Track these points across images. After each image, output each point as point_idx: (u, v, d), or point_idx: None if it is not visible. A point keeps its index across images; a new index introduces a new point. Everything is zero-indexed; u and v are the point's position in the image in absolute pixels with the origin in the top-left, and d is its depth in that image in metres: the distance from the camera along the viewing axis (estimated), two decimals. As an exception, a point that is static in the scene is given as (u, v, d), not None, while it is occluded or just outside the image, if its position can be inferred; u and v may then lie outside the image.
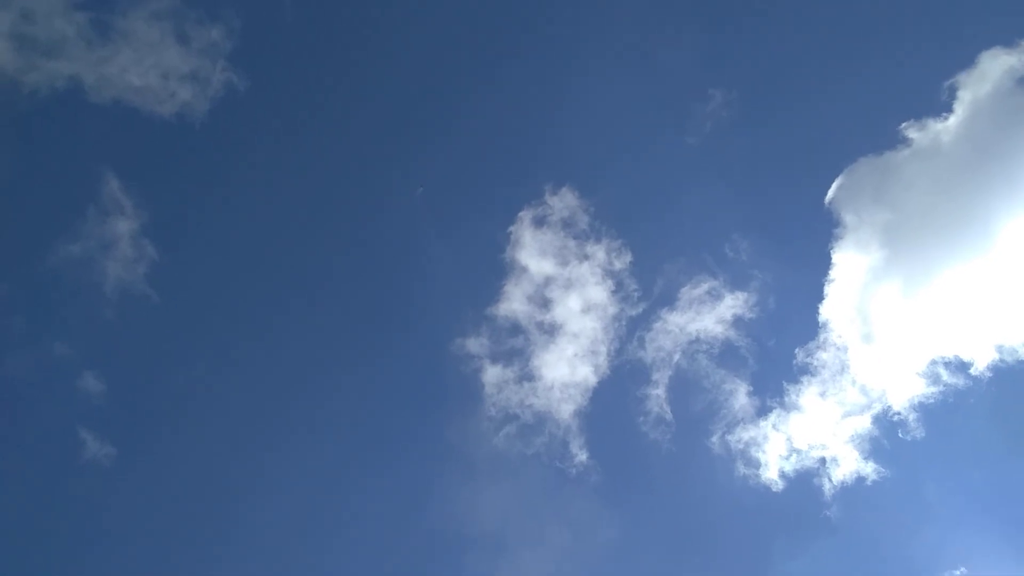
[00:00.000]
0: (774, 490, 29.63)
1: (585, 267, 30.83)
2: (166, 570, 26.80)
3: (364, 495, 29.32)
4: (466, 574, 28.85)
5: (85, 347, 28.34)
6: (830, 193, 30.68)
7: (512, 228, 30.86)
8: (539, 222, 30.97)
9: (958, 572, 34.19)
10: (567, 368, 30.05)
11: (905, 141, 30.38)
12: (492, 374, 29.80)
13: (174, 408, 29.07)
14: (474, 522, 30.39)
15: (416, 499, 29.92)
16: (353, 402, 30.60)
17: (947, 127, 30.64)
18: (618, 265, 30.80)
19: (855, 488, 30.54)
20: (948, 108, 30.55)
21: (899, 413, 30.52)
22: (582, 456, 29.60)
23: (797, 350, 30.48)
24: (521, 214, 30.96)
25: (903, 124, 30.23)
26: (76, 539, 27.20)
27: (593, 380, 30.05)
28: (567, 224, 31.06)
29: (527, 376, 29.89)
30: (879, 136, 31.15)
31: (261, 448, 29.07)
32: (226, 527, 27.86)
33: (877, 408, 30.47)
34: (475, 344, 29.94)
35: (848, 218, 30.70)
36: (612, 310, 30.56)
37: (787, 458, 29.86)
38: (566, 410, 29.76)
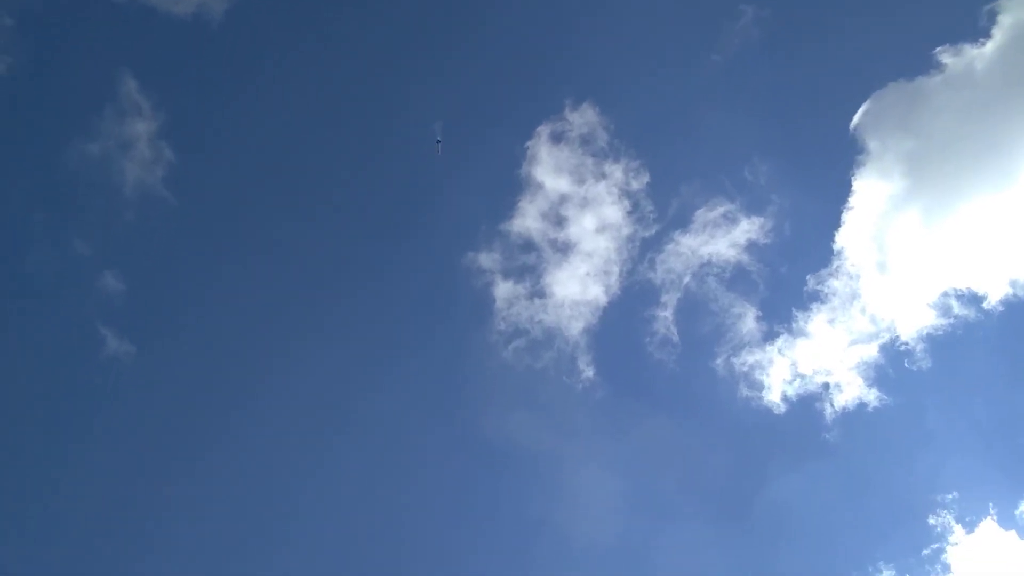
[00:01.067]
0: (775, 412, 30.18)
1: (602, 186, 30.58)
2: (184, 463, 27.99)
3: (373, 400, 30.11)
4: (473, 480, 29.89)
5: (104, 247, 28.82)
6: (856, 118, 29.94)
7: (529, 144, 30.48)
8: (557, 138, 30.56)
9: (951, 496, 35.04)
10: (578, 286, 30.24)
11: (938, 66, 29.35)
12: (503, 289, 30.09)
13: (192, 308, 29.70)
14: (480, 431, 31.29)
15: (425, 407, 30.73)
16: (365, 310, 31.01)
17: (983, 53, 29.50)
18: (635, 185, 30.53)
19: (856, 414, 31.04)
20: (986, 33, 29.43)
21: (907, 343, 30.67)
22: (589, 372, 30.13)
23: (809, 277, 30.42)
24: (539, 129, 30.49)
25: (937, 48, 29.20)
26: (98, 431, 28.35)
27: (603, 299, 30.27)
28: (586, 141, 30.65)
29: (538, 293, 30.14)
30: (912, 61, 30.06)
31: (276, 350, 29.78)
32: (242, 425, 28.88)
33: (885, 337, 30.62)
34: (487, 259, 30.11)
35: (872, 145, 30.06)
36: (626, 231, 30.49)
37: (791, 382, 30.27)
38: (575, 327, 30.12)
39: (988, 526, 46.80)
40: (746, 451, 32.48)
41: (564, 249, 30.32)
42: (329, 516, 28.47)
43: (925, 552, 34.20)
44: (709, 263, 30.53)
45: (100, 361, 27.80)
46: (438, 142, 18.88)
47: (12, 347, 28.04)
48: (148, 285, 29.13)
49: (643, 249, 30.67)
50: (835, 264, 30.18)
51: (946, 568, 36.63)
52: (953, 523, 40.82)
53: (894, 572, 30.85)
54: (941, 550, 36.17)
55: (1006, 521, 46.44)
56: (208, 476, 28.04)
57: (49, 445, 27.61)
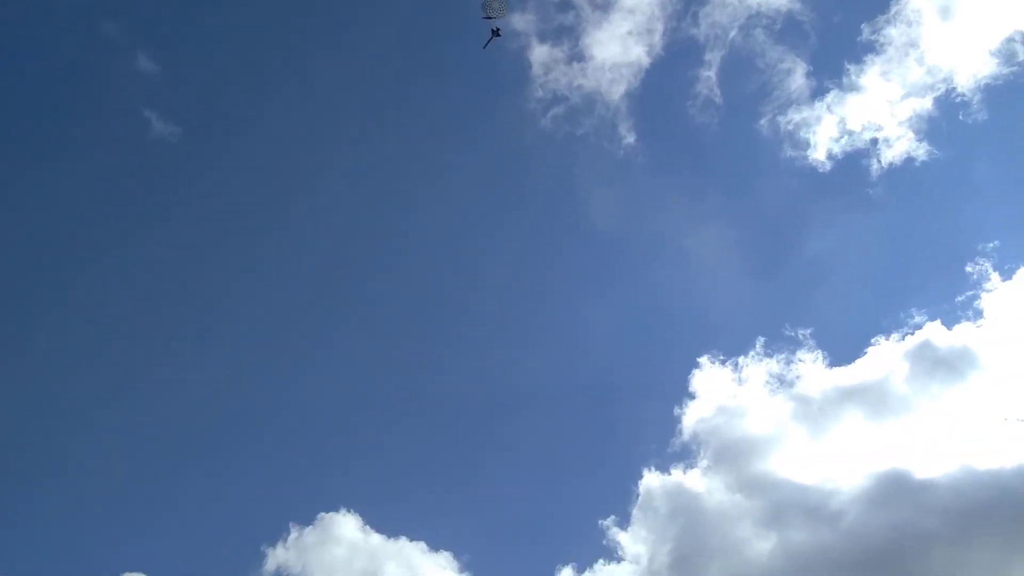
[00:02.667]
0: (820, 171, 29.90)
1: (643, -65, 28.44)
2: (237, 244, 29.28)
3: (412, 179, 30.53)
4: (506, 250, 30.68)
5: (135, 28, 28.34)
6: None
7: None
8: None
9: (992, 244, 35.32)
10: (619, 47, 29.01)
11: None
12: (540, 53, 29.09)
13: (234, 90, 29.63)
14: (521, 201, 31.75)
15: (464, 179, 31.00)
16: (399, 87, 30.69)
17: None
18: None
19: (904, 169, 30.61)
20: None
21: (963, 95, 29.41)
22: (630, 138, 29.83)
23: (864, 25, 28.72)
24: None
25: None
26: (150, 215, 29.42)
27: (645, 60, 29.13)
28: None
29: (577, 56, 29.11)
30: None
31: (326, 122, 29.84)
32: (297, 200, 29.71)
33: (941, 89, 29.33)
34: (521, 20, 28.80)
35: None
36: (670, -19, 28.72)
37: (838, 140, 29.63)
38: (616, 91, 29.34)
39: None
40: (789, 209, 32.71)
41: (604, 6, 28.80)
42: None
43: (959, 299, 35.30)
44: (758, 14, 28.83)
45: (147, 143, 28.25)
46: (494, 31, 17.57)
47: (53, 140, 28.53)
48: (186, 65, 28.88)
49: (687, 1, 29.03)
50: (894, 9, 28.33)
51: (978, 314, 37.92)
52: (991, 271, 41.65)
53: (926, 317, 31.98)
54: (976, 296, 37.22)
55: None
56: (265, 255, 29.51)
57: (108, 231, 29.03)
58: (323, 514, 38.63)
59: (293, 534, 34.32)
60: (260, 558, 26.66)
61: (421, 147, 30.86)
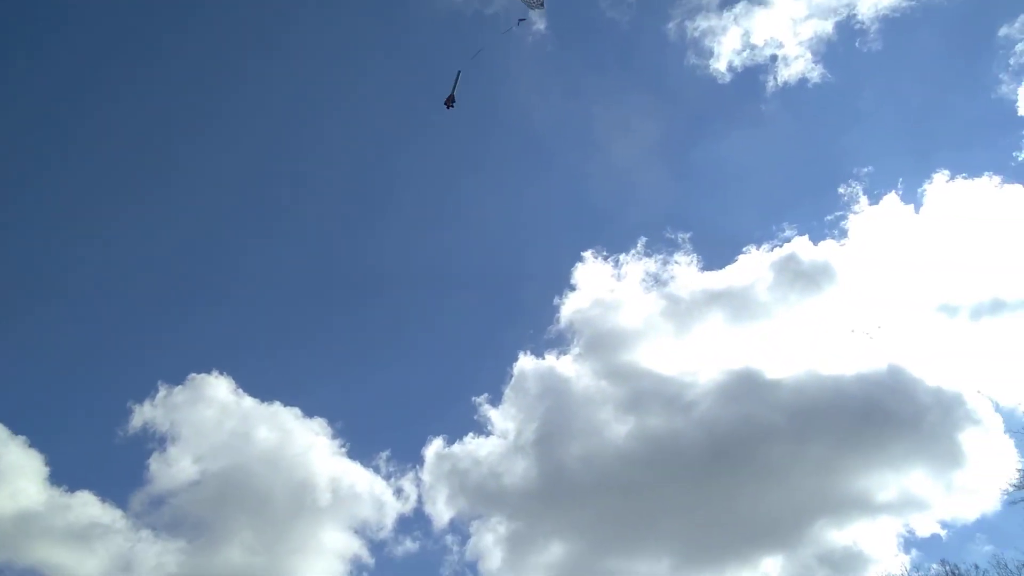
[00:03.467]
0: (719, 82, 30.47)
1: None
2: None
3: None
4: (403, 134, 29.93)
5: None
6: None
7: None
8: None
9: (865, 169, 37.43)
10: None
11: None
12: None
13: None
14: (417, 82, 30.92)
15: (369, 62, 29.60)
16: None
17: None
18: None
19: (797, 89, 31.61)
20: None
21: (863, 23, 30.27)
22: (540, 25, 29.35)
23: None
24: None
25: None
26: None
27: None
28: None
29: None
30: None
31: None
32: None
33: (843, 15, 30.05)
34: None
35: None
36: None
37: (740, 53, 30.14)
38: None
39: (891, 200, 51.52)
40: (684, 116, 33.35)
41: None
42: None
43: (828, 218, 37.66)
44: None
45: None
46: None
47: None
48: None
49: None
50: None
51: (843, 234, 40.68)
52: (861, 194, 44.49)
53: (796, 232, 33.91)
54: (844, 217, 39.77)
55: (909, 197, 50.95)
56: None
57: None
58: (194, 375, 38.23)
59: (162, 392, 33.99)
60: (126, 414, 26.49)
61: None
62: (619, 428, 52.51)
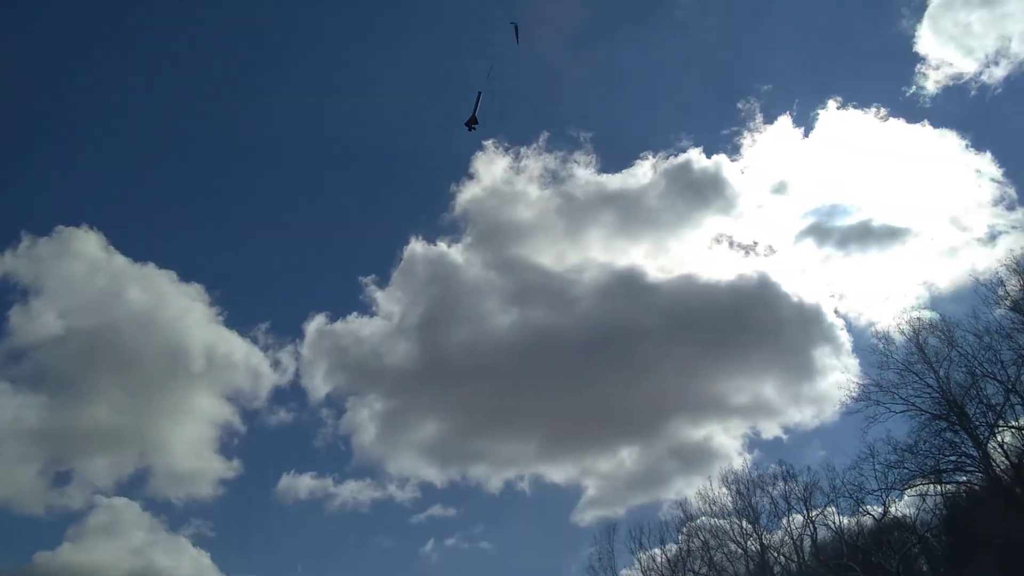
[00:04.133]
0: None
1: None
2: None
3: None
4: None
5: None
6: None
7: None
8: None
9: (765, 87, 38.18)
10: None
11: None
12: None
13: None
14: None
15: None
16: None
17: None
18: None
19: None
20: None
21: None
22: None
23: None
24: None
25: None
26: None
27: None
28: None
29: None
30: None
31: None
32: None
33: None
34: None
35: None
36: None
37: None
38: None
39: (784, 122, 53.68)
40: (600, 15, 31.54)
41: None
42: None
43: (724, 132, 38.18)
44: None
45: None
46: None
47: None
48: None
49: None
50: None
51: (736, 149, 41.41)
52: (758, 111, 45.35)
53: (692, 143, 33.44)
54: (739, 133, 40.35)
55: (801, 120, 53.13)
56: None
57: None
58: (62, 227, 35.65)
59: (25, 243, 31.60)
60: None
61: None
62: (503, 319, 50.49)
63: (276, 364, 48.99)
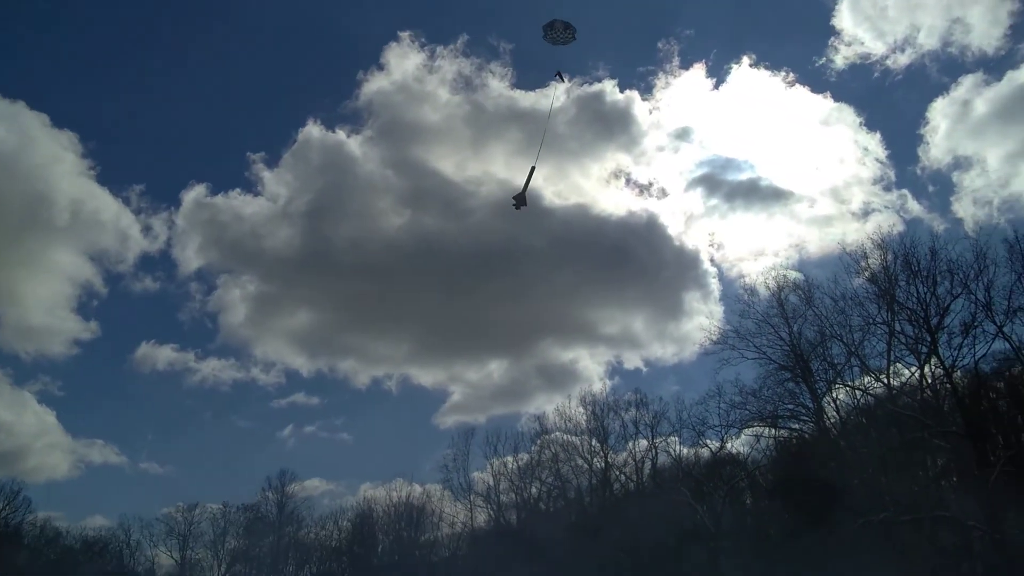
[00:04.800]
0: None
1: None
2: None
3: None
4: None
5: None
6: None
7: None
8: None
9: (688, 32, 39.36)
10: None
11: None
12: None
13: None
14: None
15: None
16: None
17: None
18: None
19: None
20: None
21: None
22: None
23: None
24: None
25: None
26: None
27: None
28: None
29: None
30: None
31: None
32: None
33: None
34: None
35: None
36: None
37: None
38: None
39: (698, 70, 56.66)
40: None
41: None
42: None
43: (641, 69, 38.77)
44: None
45: None
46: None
47: None
48: None
49: None
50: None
51: (649, 88, 42.79)
52: (676, 55, 46.54)
53: (608, 74, 33.92)
54: (654, 73, 41.58)
55: (715, 71, 55.45)
56: None
57: None
58: None
59: None
60: None
61: None
62: (394, 219, 52.70)
63: (147, 230, 45.86)
